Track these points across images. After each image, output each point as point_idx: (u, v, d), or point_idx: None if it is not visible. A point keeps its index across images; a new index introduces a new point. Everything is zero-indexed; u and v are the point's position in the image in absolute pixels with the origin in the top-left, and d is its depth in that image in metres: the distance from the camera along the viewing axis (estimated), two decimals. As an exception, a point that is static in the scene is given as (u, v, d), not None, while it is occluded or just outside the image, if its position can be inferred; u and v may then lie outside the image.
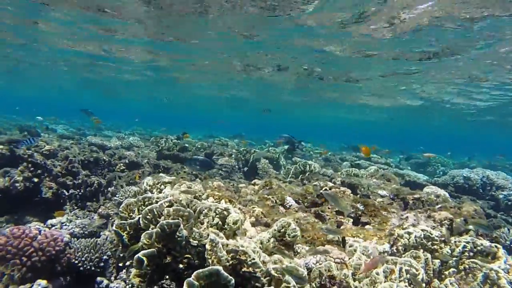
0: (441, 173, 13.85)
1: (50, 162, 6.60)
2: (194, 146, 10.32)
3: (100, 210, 5.71)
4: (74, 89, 31.46)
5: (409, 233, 3.27)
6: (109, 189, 6.74)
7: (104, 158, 7.53)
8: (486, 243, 3.18)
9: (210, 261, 2.35)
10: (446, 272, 3.17)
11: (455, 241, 3.25)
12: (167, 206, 2.81)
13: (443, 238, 3.35)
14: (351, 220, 3.78)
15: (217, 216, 2.83)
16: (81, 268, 4.78)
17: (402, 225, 3.44)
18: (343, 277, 2.52)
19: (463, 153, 24.38)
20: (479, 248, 3.18)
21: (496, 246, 3.15)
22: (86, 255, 4.89)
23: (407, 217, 3.85)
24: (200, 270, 2.19)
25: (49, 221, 5.33)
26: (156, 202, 2.97)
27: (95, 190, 6.55)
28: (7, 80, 29.13)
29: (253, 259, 2.29)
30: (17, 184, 6.10)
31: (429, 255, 3.14)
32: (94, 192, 6.55)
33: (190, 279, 2.16)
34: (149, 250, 2.48)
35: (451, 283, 2.99)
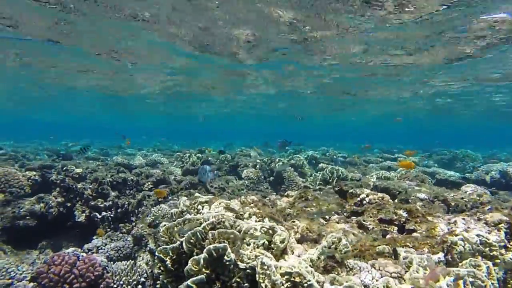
0: (471, 168, 13.31)
1: (81, 186, 6.71)
2: (218, 159, 10.31)
3: (133, 231, 5.72)
4: (94, 110, 32.28)
5: (463, 240, 3.08)
6: (140, 209, 6.77)
7: (132, 178, 7.60)
8: (552, 246, 2.95)
9: (263, 285, 2.25)
10: None
11: (515, 246, 3.03)
12: (210, 229, 2.74)
13: (502, 244, 3.14)
14: (396, 228, 3.61)
15: (263, 235, 2.74)
16: (120, 292, 4.78)
17: (454, 231, 3.24)
18: (402, 293, 2.36)
19: (484, 147, 23.43)
20: (544, 252, 2.95)
21: None
22: (124, 278, 4.89)
23: (455, 221, 3.64)
24: (255, 296, 2.09)
25: (86, 246, 5.37)
26: (198, 224, 2.91)
27: (125, 211, 6.59)
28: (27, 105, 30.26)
29: (309, 280, 2.18)
30: (51, 210, 6.22)
31: (490, 263, 2.94)
32: (125, 213, 6.60)
33: (246, 306, 2.06)
34: (199, 277, 2.40)
35: (517, 293, 2.78)
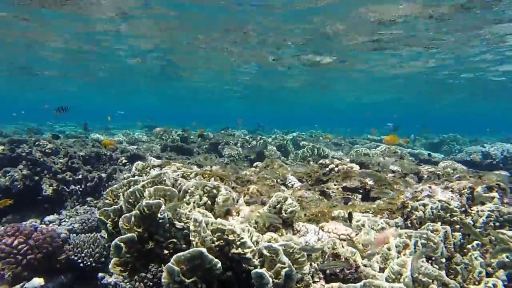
0: (457, 151, 13.26)
1: (49, 159, 6.46)
2: (199, 137, 10.08)
3: (99, 204, 5.52)
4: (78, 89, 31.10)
5: (424, 205, 2.92)
6: (110, 183, 6.56)
7: (105, 152, 7.36)
8: (514, 211, 2.80)
9: (194, 243, 2.07)
10: (469, 246, 2.82)
11: (477, 211, 2.89)
12: (150, 187, 2.54)
13: (463, 209, 3.00)
14: (360, 196, 3.45)
15: (205, 195, 2.55)
16: (81, 265, 4.61)
17: (416, 197, 3.09)
18: (350, 255, 2.20)
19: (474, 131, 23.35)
20: (506, 216, 2.80)
21: (526, 214, 2.77)
22: (86, 250, 4.72)
23: (422, 189, 3.49)
24: (181, 253, 1.91)
25: (47, 218, 5.18)
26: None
27: (95, 185, 6.38)
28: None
29: (242, 238, 2.00)
30: (16, 183, 5.98)
31: (448, 228, 2.79)
32: (95, 187, 6.39)
33: (170, 264, 1.88)
34: (128, 235, 2.21)
35: (475, 258, 2.64)
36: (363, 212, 2.96)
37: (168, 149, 8.55)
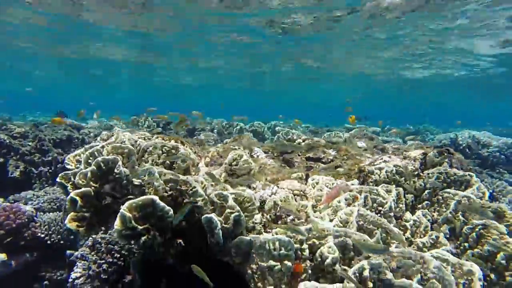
0: (430, 140, 13.72)
1: (17, 142, 6.30)
2: (177, 124, 10.02)
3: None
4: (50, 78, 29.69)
5: (380, 169, 3.06)
6: (81, 165, 6.46)
7: (78, 136, 7.23)
8: (459, 172, 2.98)
9: (148, 193, 2.11)
10: (420, 205, 2.98)
11: (428, 174, 3.05)
12: (109, 148, 2.55)
13: (416, 172, 3.16)
14: (322, 165, 3.56)
15: (164, 155, 2.59)
16: (49, 242, 4.55)
17: (373, 162, 3.23)
18: (302, 208, 2.30)
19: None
20: (452, 178, 2.98)
21: (469, 175, 2.96)
22: (54, 228, 4.66)
23: (381, 158, 3.64)
24: (133, 200, 1.96)
25: (11, 197, 5.07)
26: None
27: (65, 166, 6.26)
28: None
29: (194, 187, 2.05)
30: (-20, 165, 5.80)
31: (401, 189, 2.94)
32: (64, 169, 6.26)
33: (122, 210, 1.92)
34: (83, 189, 2.23)
35: (423, 215, 2.80)
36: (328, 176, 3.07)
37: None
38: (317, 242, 1.96)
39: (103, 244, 3.82)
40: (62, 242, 4.59)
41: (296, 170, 3.26)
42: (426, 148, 3.88)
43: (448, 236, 2.79)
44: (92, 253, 3.99)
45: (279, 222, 2.22)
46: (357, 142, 5.00)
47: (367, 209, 2.37)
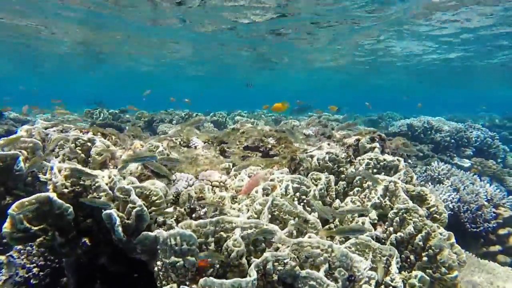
0: (391, 127, 14.12)
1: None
2: (134, 115, 9.69)
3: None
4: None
5: (311, 157, 3.04)
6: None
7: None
8: (388, 157, 3.01)
9: (50, 190, 1.95)
10: (351, 192, 3.00)
11: (359, 160, 3.06)
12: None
13: (349, 159, 3.17)
14: (260, 154, 3.51)
15: (79, 148, 2.42)
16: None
17: (306, 150, 3.20)
18: (219, 199, 2.22)
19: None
20: (382, 163, 3.01)
21: (397, 159, 3.00)
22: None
23: (321, 146, 3.63)
24: (25, 199, 1.80)
25: None
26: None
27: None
28: None
29: (97, 182, 1.92)
30: None
31: (332, 177, 2.94)
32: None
33: (10, 210, 1.76)
34: (-25, 188, 2.04)
35: (352, 201, 2.81)
36: (255, 166, 3.01)
37: (94, 126, 8.10)
38: (224, 235, 1.89)
39: (34, 246, 3.60)
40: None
41: (230, 160, 3.18)
42: (364, 134, 3.92)
43: (376, 221, 2.83)
44: (22, 257, 3.76)
45: (194, 215, 2.14)
46: (305, 130, 5.00)
47: (289, 198, 2.34)
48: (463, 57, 17.60)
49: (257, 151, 3.53)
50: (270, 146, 3.56)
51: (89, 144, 2.43)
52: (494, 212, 5.14)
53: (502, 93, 35.24)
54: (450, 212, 5.05)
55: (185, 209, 2.16)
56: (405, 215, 2.61)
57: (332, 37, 13.88)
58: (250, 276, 1.67)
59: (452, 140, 8.78)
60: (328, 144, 3.65)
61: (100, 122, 8.46)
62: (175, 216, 2.10)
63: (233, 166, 2.70)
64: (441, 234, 2.77)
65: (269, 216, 2.05)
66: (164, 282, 1.81)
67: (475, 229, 4.98)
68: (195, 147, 3.64)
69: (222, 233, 1.90)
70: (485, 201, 5.30)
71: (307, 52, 17.21)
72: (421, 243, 2.48)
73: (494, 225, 5.02)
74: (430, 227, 2.51)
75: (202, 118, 9.59)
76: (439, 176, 5.84)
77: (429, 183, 5.91)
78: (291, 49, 16.44)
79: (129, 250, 1.91)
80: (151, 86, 13.65)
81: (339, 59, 19.67)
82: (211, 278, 1.62)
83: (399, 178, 2.85)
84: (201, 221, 1.85)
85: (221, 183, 2.39)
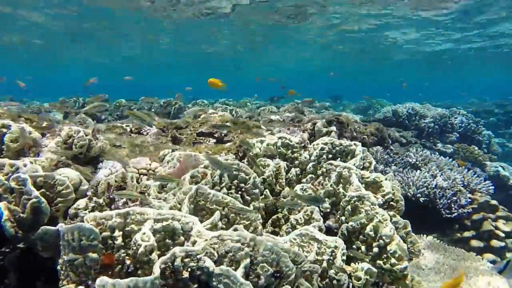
0: (379, 113, 13.94)
1: None
2: (112, 104, 9.39)
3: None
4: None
5: (261, 142, 2.83)
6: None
7: None
8: (345, 142, 2.81)
9: None
10: (304, 180, 2.80)
11: (313, 145, 2.86)
12: None
13: (303, 144, 2.96)
14: (214, 140, 3.29)
15: (-10, 135, 2.19)
16: None
17: (256, 135, 2.99)
18: (144, 188, 2.02)
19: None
20: (338, 148, 2.81)
21: (354, 144, 2.80)
22: None
23: (280, 130, 3.42)
24: None
25: None
26: None
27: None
28: None
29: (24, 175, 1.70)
30: None
31: (282, 163, 2.74)
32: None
33: None
34: None
35: (301, 189, 2.62)
36: (201, 152, 2.80)
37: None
38: (136, 228, 1.69)
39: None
40: None
41: (179, 148, 2.97)
42: (329, 117, 3.72)
43: (329, 210, 2.65)
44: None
45: (112, 206, 1.93)
46: (274, 116, 4.78)
47: (222, 186, 2.13)
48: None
49: (211, 137, 3.32)
50: (225, 132, 3.34)
51: (4, 130, 2.20)
52: (470, 198, 5.00)
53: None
54: (426, 198, 4.91)
55: (104, 200, 1.95)
56: (357, 203, 2.43)
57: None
58: (153, 273, 1.47)
59: (436, 126, 8.61)
60: (288, 129, 3.45)
61: (73, 111, 8.17)
62: (90, 207, 1.89)
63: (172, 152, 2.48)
64: (396, 222, 2.61)
65: (191, 206, 1.85)
66: (64, 282, 1.62)
67: (449, 215, 4.85)
68: (147, 134, 3.41)
69: (133, 225, 1.70)
70: (462, 186, 5.17)
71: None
72: (371, 233, 2.30)
73: (469, 211, 4.89)
74: (382, 216, 2.33)
75: (102, 104, 9.29)
76: (417, 162, 5.68)
77: (407, 169, 5.75)
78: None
79: (30, 246, 1.71)
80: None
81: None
82: (104, 277, 1.42)
83: (354, 164, 2.65)
84: (107, 212, 1.64)
85: (150, 171, 2.18)
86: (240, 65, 14.34)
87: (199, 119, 3.53)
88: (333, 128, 2.96)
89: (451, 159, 5.99)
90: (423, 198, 4.86)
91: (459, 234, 4.83)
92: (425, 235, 4.22)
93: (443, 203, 4.92)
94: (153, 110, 9.07)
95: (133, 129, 3.42)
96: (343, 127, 3.07)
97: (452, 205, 4.86)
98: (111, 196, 1.95)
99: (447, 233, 4.97)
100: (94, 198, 1.93)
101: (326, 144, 2.79)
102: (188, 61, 25.83)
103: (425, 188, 4.98)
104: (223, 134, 3.34)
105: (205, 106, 10.04)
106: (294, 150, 2.87)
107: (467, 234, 4.72)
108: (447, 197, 4.91)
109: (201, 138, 3.25)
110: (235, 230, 1.80)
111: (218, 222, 1.85)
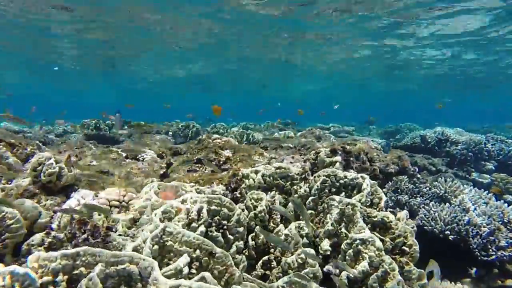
0: (406, 139, 13.26)
1: None
2: (132, 126, 9.57)
3: None
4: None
5: (256, 172, 2.56)
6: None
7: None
8: (350, 175, 2.48)
9: None
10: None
11: (314, 177, 2.55)
12: None
13: (303, 175, 2.66)
14: (210, 168, 3.07)
15: None
16: None
17: (254, 165, 2.73)
18: (112, 223, 1.81)
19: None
20: (342, 181, 2.48)
21: (362, 177, 2.46)
22: None
23: (283, 159, 3.15)
24: None
25: None
26: None
27: None
28: None
29: None
30: None
31: (278, 196, 2.45)
32: None
33: None
34: None
35: (298, 228, 2.30)
36: (190, 182, 2.58)
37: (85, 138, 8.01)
38: (85, 272, 1.46)
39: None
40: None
41: (171, 174, 2.77)
42: (334, 146, 3.39)
43: (329, 252, 2.30)
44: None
45: (73, 242, 1.73)
46: (284, 142, 4.52)
47: (200, 223, 1.88)
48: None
49: (208, 165, 3.10)
50: (224, 159, 3.12)
51: (-21, 154, 2.11)
52: (511, 238, 4.37)
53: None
54: (456, 236, 4.34)
55: (66, 234, 1.76)
56: (360, 247, 2.07)
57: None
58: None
59: (470, 153, 7.90)
60: (292, 157, 3.17)
61: (93, 133, 8.35)
62: (47, 243, 1.70)
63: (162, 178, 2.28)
64: (409, 272, 2.20)
65: (156, 247, 1.60)
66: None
67: (485, 258, 4.23)
68: (143, 159, 3.26)
69: (82, 269, 1.48)
70: (501, 224, 4.55)
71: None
72: (375, 285, 1.93)
73: (511, 254, 4.25)
74: (389, 265, 1.96)
75: (199, 128, 9.27)
76: (446, 194, 5.12)
77: (434, 202, 5.19)
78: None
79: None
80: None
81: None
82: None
83: (360, 200, 2.31)
84: (51, 253, 1.44)
85: (122, 203, 1.98)
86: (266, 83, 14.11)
87: (198, 145, 3.34)
88: (338, 158, 2.65)
89: (486, 191, 5.36)
90: (452, 236, 4.29)
91: (500, 282, 4.18)
92: (457, 283, 3.66)
93: (478, 243, 4.31)
94: (170, 133, 9.10)
95: (129, 155, 3.29)
96: (350, 157, 2.74)
97: (489, 246, 4.25)
98: (72, 231, 1.75)
99: (485, 279, 4.33)
100: (53, 233, 1.74)
101: (328, 176, 2.48)
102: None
103: (455, 225, 4.42)
104: (220, 162, 3.12)
105: (225, 129, 9.97)
106: (293, 182, 2.58)
107: (510, 282, 4.07)
108: (482, 236, 4.31)
109: (197, 165, 3.04)
110: (202, 278, 1.52)
111: (184, 267, 1.58)
